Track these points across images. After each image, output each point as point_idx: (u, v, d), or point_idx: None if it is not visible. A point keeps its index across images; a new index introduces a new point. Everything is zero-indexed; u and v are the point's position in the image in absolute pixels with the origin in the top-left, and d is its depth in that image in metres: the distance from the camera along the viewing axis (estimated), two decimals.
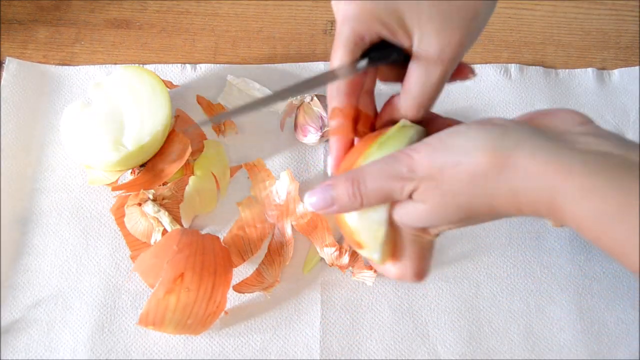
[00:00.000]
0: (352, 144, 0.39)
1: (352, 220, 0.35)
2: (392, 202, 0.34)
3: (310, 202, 0.35)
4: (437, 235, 0.36)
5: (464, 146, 0.30)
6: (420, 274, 0.36)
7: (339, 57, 0.35)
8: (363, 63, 0.35)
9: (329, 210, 0.34)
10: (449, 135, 0.32)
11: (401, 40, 0.34)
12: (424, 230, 0.35)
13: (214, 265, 0.45)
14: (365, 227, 0.35)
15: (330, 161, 0.39)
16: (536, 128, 0.31)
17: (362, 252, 0.36)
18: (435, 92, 0.35)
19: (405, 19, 0.33)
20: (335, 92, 0.37)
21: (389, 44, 0.35)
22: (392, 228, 0.35)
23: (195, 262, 0.44)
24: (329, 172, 0.39)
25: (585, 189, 0.28)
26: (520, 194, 0.30)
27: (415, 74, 0.34)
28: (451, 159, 0.31)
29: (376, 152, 0.34)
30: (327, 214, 0.35)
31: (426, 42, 0.33)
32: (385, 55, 0.35)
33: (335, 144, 0.38)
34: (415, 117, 0.36)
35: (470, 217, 0.32)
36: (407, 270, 0.36)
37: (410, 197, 0.32)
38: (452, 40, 0.33)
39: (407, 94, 0.35)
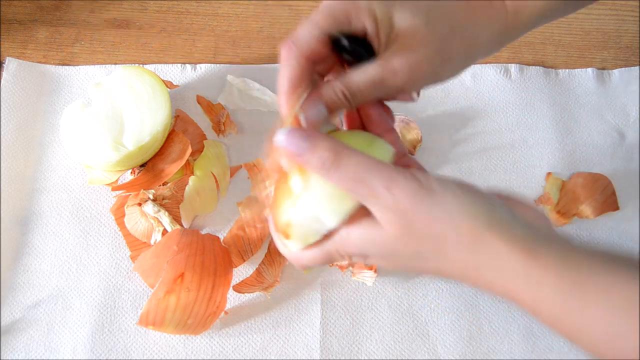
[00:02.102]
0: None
1: (295, 217, 0.33)
2: (349, 218, 0.32)
3: (281, 140, 0.32)
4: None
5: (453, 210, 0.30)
6: (306, 267, 0.38)
7: (322, 21, 0.34)
8: (345, 41, 0.34)
9: (298, 157, 0.32)
10: (442, 188, 0.31)
11: (375, 39, 0.34)
12: (349, 257, 0.34)
13: (214, 265, 0.45)
14: (303, 229, 0.33)
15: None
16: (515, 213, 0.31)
17: (282, 240, 0.35)
18: (372, 93, 0.34)
19: (395, 19, 0.33)
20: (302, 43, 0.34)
21: (357, 42, 0.34)
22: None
23: (195, 262, 0.44)
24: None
25: (543, 282, 0.28)
26: (484, 273, 0.30)
27: (372, 68, 0.34)
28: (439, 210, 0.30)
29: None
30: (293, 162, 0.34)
31: (399, 47, 0.33)
32: (364, 47, 0.34)
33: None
34: (343, 104, 0.35)
35: (408, 270, 0.33)
36: (298, 261, 0.35)
37: (375, 217, 0.31)
38: (422, 67, 0.34)
39: (349, 79, 0.34)
